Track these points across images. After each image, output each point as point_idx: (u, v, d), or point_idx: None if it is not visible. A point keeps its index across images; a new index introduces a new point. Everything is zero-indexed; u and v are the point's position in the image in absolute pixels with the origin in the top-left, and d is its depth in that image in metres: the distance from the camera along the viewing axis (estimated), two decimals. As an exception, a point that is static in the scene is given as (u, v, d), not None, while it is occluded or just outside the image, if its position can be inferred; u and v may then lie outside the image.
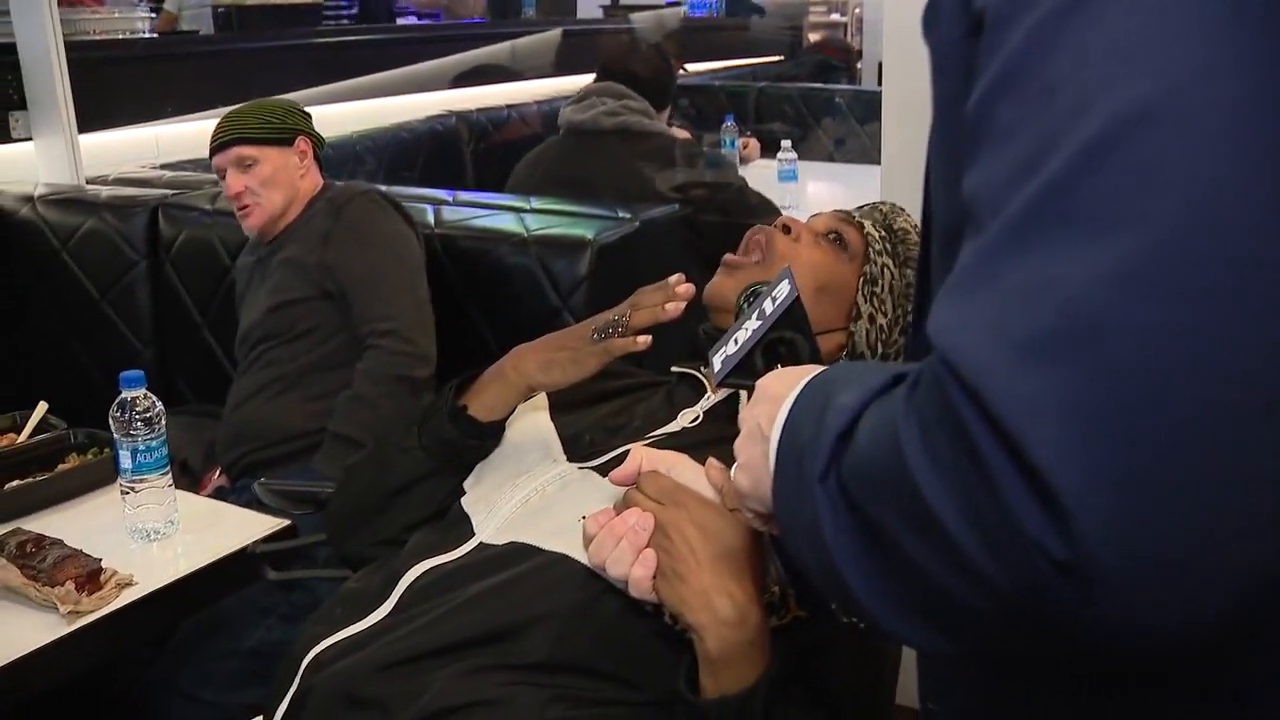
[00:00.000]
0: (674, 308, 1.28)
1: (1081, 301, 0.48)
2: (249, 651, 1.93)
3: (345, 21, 4.75)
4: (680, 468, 1.07)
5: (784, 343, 1.02)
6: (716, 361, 1.05)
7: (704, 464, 1.08)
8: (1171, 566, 0.48)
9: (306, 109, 2.51)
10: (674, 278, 1.32)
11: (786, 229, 1.43)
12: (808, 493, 0.63)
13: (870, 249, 1.43)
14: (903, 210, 1.52)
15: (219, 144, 2.37)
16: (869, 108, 5.22)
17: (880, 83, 6.44)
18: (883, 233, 1.45)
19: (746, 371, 1.02)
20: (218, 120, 2.41)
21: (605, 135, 3.06)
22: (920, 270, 0.81)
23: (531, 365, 1.34)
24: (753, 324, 1.03)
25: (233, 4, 3.91)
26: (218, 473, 2.36)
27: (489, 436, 1.37)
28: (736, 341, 1.04)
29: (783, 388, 0.75)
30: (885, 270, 1.43)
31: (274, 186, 2.35)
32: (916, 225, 1.49)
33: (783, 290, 1.03)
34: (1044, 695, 0.70)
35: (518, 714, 1.07)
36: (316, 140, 2.46)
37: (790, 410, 0.71)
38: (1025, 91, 0.53)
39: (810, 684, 1.05)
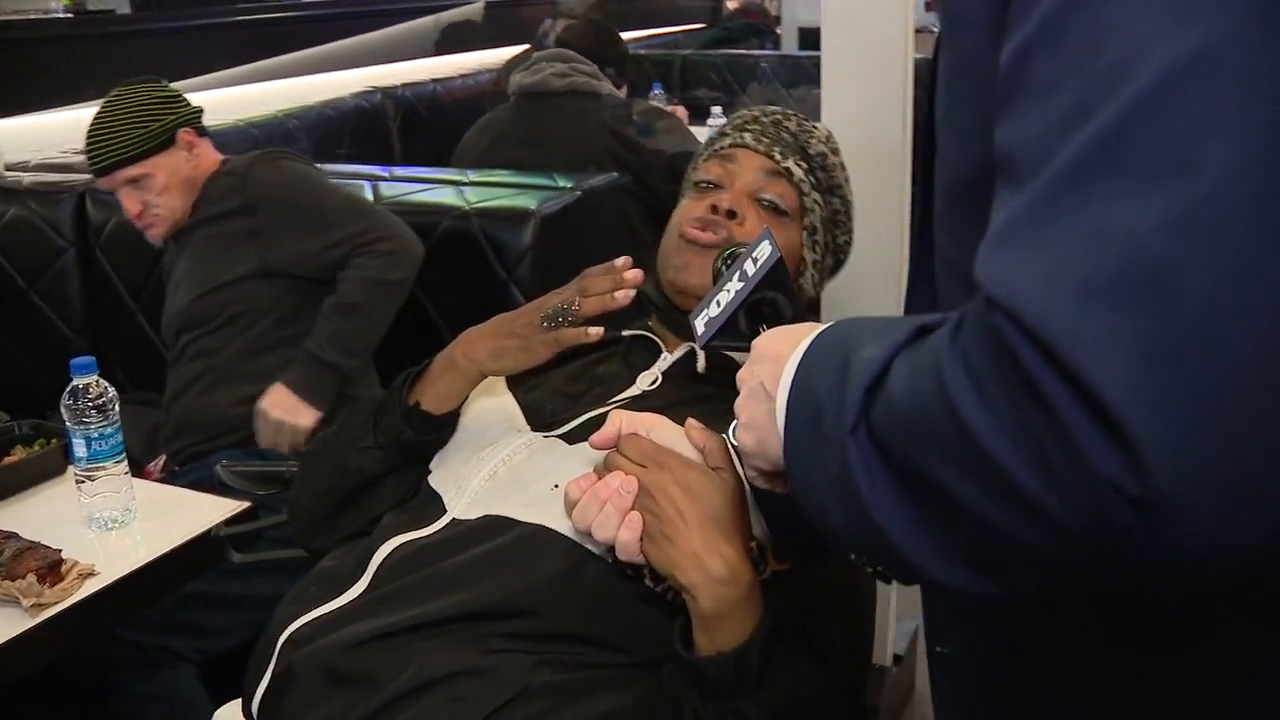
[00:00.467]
0: (624, 295, 1.28)
1: (1143, 246, 0.49)
2: (176, 597, 1.90)
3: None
4: (660, 429, 1.07)
5: (766, 303, 1.03)
6: (699, 324, 1.05)
7: (679, 424, 1.09)
8: (1242, 496, 0.50)
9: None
10: (620, 261, 1.30)
11: (732, 213, 1.41)
12: (835, 446, 0.64)
13: (804, 199, 1.45)
14: (804, 120, 1.51)
15: (100, 169, 2.25)
16: (794, 72, 5.26)
17: (801, 47, 6.49)
18: (805, 166, 1.45)
19: (730, 333, 1.03)
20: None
21: (556, 96, 3.07)
22: (920, 223, 0.82)
23: (482, 353, 1.33)
24: (734, 285, 1.04)
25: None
26: (162, 461, 2.32)
27: (445, 427, 1.36)
28: (719, 304, 1.04)
29: (783, 347, 0.76)
30: (816, 208, 1.46)
31: (171, 192, 2.26)
32: (825, 137, 1.50)
33: (764, 251, 1.04)
34: (1059, 633, 0.73)
35: (505, 680, 1.08)
36: (194, 118, 2.33)
37: (798, 368, 0.72)
38: (1067, 44, 0.54)
39: (798, 635, 1.07)
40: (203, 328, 2.25)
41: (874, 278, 2.13)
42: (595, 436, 1.08)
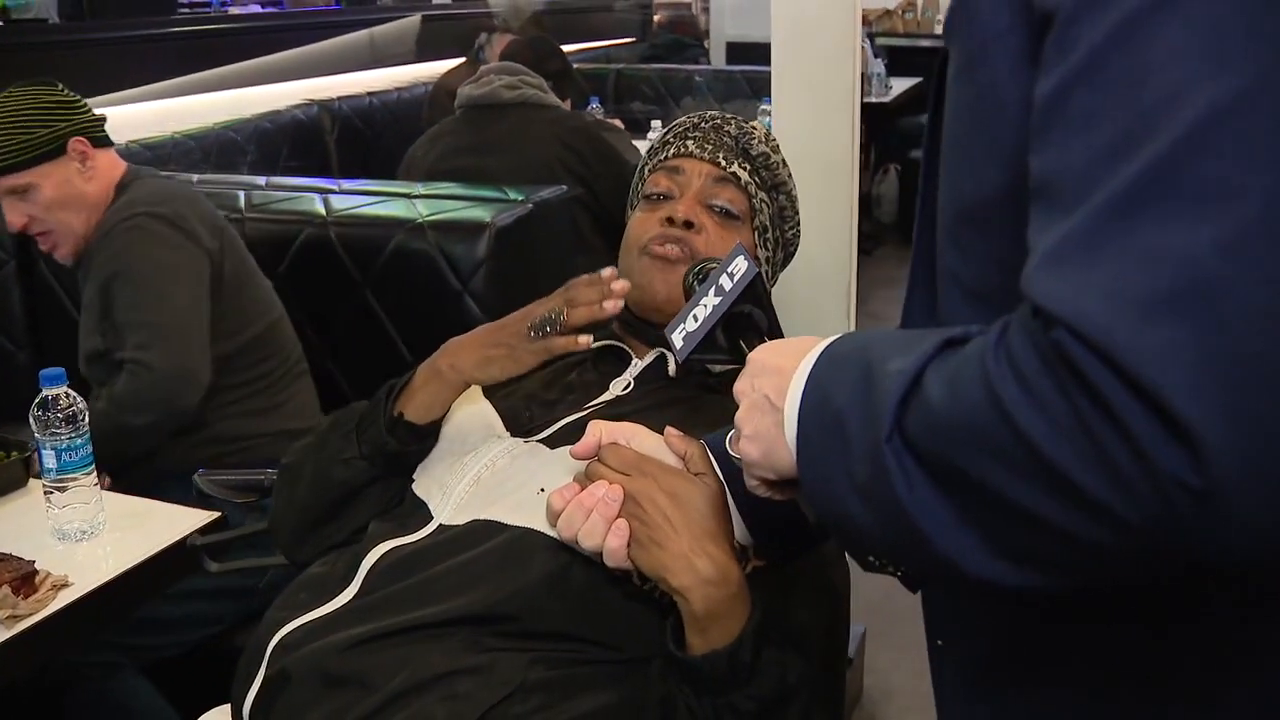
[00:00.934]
0: (612, 305, 1.29)
1: (1197, 265, 0.55)
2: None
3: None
4: (639, 438, 1.11)
5: (743, 316, 1.07)
6: (677, 339, 1.09)
7: (655, 427, 1.13)
8: None
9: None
10: (607, 271, 1.32)
11: (689, 224, 1.44)
12: (865, 454, 0.68)
13: (753, 201, 1.49)
14: (742, 122, 1.54)
15: None
16: (728, 86, 5.36)
17: (728, 62, 6.61)
18: (750, 168, 1.49)
19: (708, 346, 1.07)
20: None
21: (505, 108, 3.11)
22: (919, 235, 0.86)
23: (468, 363, 1.34)
24: (711, 300, 1.08)
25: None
26: (106, 480, 2.30)
27: (429, 437, 1.37)
28: (696, 319, 1.08)
29: (785, 360, 0.80)
30: (764, 207, 1.50)
31: (64, 207, 2.09)
32: (764, 136, 1.54)
33: (740, 267, 1.08)
34: (1047, 624, 0.78)
35: (500, 677, 1.11)
36: (92, 127, 2.15)
37: (808, 381, 0.76)
38: (1110, 81, 0.59)
39: (780, 626, 1.11)
40: (98, 385, 2.16)
41: (825, 285, 2.20)
42: (576, 446, 1.11)
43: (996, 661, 0.84)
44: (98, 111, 2.22)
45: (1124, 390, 0.56)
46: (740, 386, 0.88)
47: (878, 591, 1.90)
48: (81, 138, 2.12)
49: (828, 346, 0.78)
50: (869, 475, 0.68)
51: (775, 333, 1.08)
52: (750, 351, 0.93)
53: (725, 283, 1.09)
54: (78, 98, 2.17)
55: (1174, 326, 0.55)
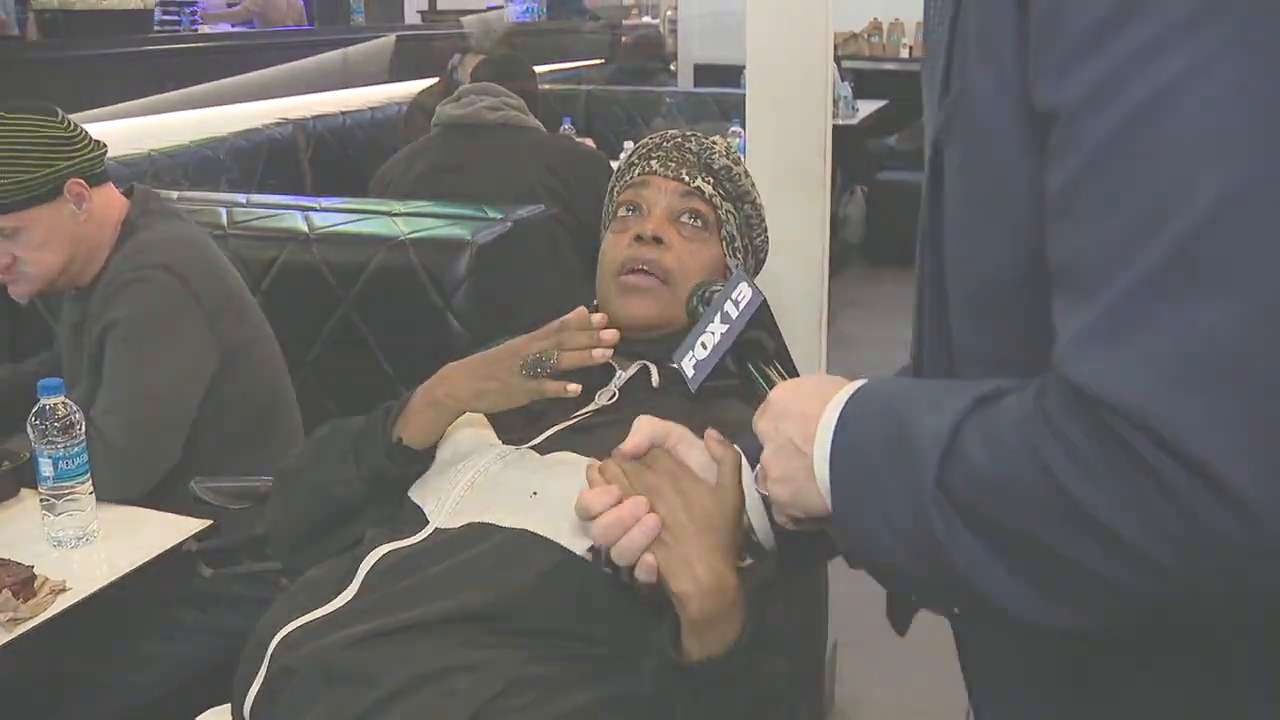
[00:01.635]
0: (600, 354, 1.36)
1: (1224, 341, 0.59)
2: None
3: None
4: (686, 443, 1.09)
5: (751, 341, 1.10)
6: (688, 368, 1.10)
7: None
8: None
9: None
10: (598, 318, 1.39)
11: (658, 239, 1.50)
12: (906, 503, 0.72)
13: (718, 212, 1.55)
14: (702, 138, 1.61)
15: None
16: (698, 107, 5.45)
17: (695, 84, 6.68)
18: (713, 181, 1.56)
19: (721, 373, 1.10)
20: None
21: (488, 129, 3.16)
22: (931, 290, 0.87)
23: (465, 393, 1.40)
24: (718, 328, 1.09)
25: (60, 8, 3.79)
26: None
27: (426, 459, 1.43)
28: (704, 346, 1.09)
29: (809, 405, 0.83)
30: (730, 217, 1.57)
31: (49, 249, 1.90)
32: (725, 150, 1.60)
33: (744, 294, 1.10)
34: (1111, 687, 0.81)
35: (497, 673, 1.16)
36: (92, 164, 1.95)
37: (836, 429, 0.80)
38: (1121, 173, 0.63)
39: (768, 628, 1.16)
40: None
41: (797, 305, 2.26)
42: (628, 445, 1.07)
43: (1039, 675, 0.86)
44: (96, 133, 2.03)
45: (1169, 460, 0.60)
46: (762, 428, 0.90)
47: (849, 603, 1.96)
48: (79, 179, 1.92)
49: (853, 395, 0.81)
50: (910, 525, 0.72)
51: (783, 355, 1.10)
52: (761, 377, 0.97)
53: (731, 310, 1.10)
54: (78, 130, 1.97)
55: (1208, 398, 0.59)
